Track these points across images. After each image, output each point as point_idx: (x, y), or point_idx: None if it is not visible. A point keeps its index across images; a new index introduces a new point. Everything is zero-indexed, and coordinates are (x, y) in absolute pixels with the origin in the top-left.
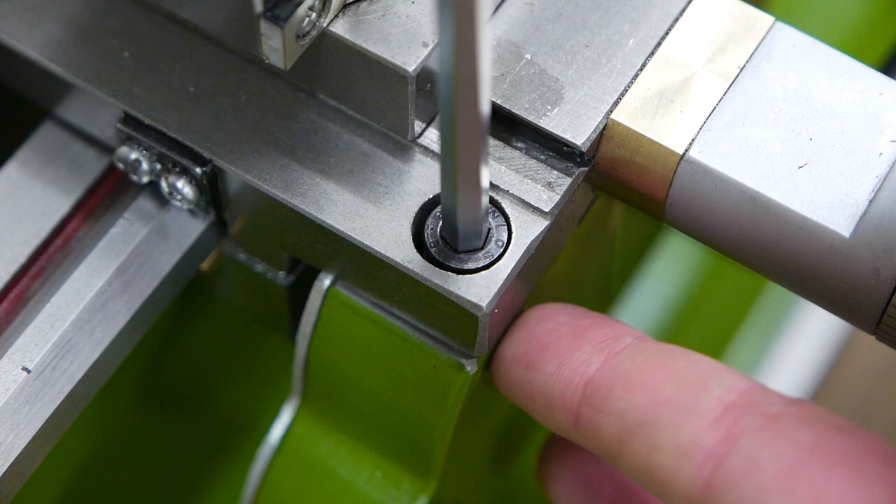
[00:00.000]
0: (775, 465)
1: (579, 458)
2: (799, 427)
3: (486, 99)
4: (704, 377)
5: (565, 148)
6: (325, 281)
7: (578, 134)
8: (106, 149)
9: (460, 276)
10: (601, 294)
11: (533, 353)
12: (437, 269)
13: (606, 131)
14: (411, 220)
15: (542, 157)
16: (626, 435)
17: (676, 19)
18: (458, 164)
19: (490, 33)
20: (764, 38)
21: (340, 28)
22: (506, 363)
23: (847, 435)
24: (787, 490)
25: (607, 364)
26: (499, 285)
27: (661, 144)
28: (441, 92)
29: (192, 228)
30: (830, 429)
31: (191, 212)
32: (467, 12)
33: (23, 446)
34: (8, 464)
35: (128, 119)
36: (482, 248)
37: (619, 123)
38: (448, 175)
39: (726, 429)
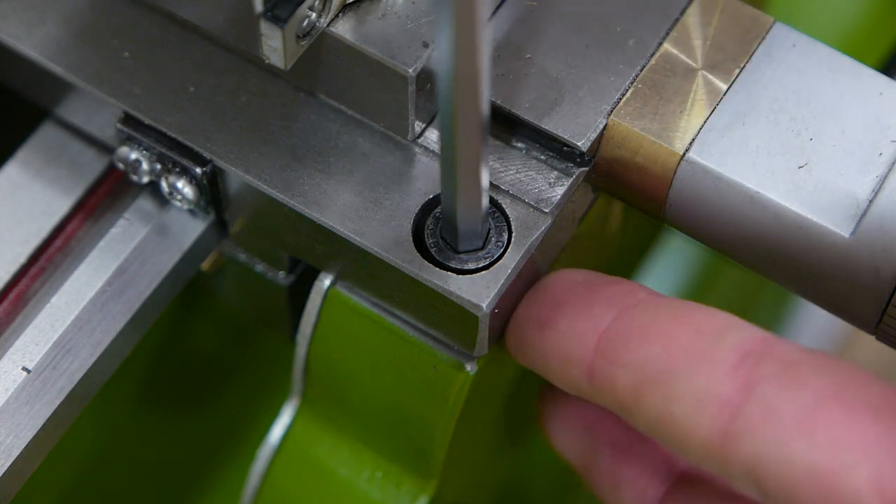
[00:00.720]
0: (794, 410)
1: (581, 400)
2: (818, 373)
3: (486, 99)
4: (720, 327)
5: (565, 148)
6: (326, 281)
7: (578, 134)
8: (106, 149)
9: (460, 276)
10: None
11: (546, 312)
12: (437, 269)
13: (606, 131)
14: (411, 220)
15: (543, 157)
16: (641, 386)
17: (676, 19)
18: (458, 165)
19: (489, 32)
20: (764, 38)
21: (340, 28)
22: (519, 324)
23: (867, 382)
24: (807, 435)
25: (621, 317)
26: (499, 285)
27: (661, 144)
28: (441, 92)
29: (192, 228)
30: (850, 375)
31: (191, 212)
32: (466, 12)
33: (23, 446)
34: (8, 464)
35: (128, 119)
36: (482, 249)
37: (619, 123)
38: (448, 175)
39: (744, 376)
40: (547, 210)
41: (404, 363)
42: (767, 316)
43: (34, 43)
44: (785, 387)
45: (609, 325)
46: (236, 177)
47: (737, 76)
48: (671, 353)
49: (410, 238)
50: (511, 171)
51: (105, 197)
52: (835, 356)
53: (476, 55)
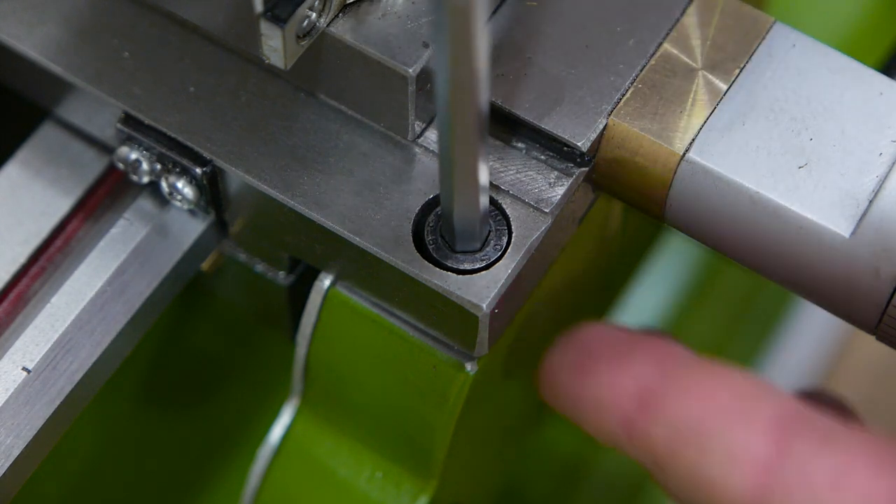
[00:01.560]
0: (827, 472)
1: None
2: (851, 439)
3: (485, 99)
4: (757, 390)
5: (565, 148)
6: (326, 281)
7: (579, 134)
8: (106, 149)
9: (460, 276)
10: (601, 293)
11: (585, 360)
12: (438, 269)
13: (606, 131)
14: (411, 220)
15: (543, 157)
16: (678, 442)
17: (677, 19)
18: (456, 164)
19: (487, 32)
20: (764, 38)
21: (340, 28)
22: (553, 370)
23: None
24: (838, 494)
25: (661, 372)
26: (499, 286)
27: (661, 144)
28: (438, 93)
29: (192, 228)
30: (882, 440)
31: (191, 212)
32: (462, 15)
33: (23, 446)
34: (8, 464)
35: (128, 119)
36: (482, 249)
37: (619, 123)
38: (447, 175)
39: (779, 438)
40: (547, 210)
41: (404, 363)
42: (768, 315)
43: (34, 43)
44: (819, 450)
45: (650, 381)
46: (236, 177)
47: (737, 76)
48: (709, 411)
49: (410, 238)
50: (511, 171)
51: (105, 197)
52: (868, 426)
53: (473, 56)
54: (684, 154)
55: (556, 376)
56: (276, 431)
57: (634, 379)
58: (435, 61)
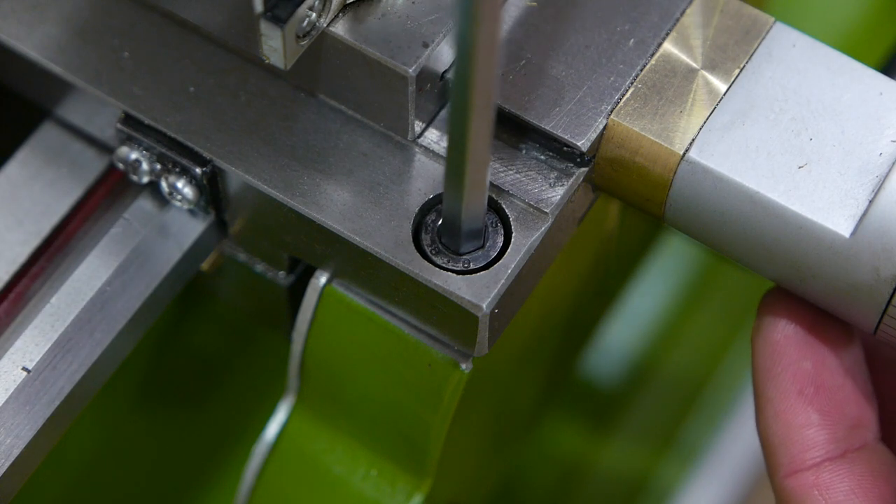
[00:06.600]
0: None
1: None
2: None
3: (496, 99)
4: None
5: (566, 148)
6: (322, 278)
7: (579, 134)
8: (106, 149)
9: (460, 276)
10: (600, 293)
11: (781, 398)
12: (437, 269)
13: (606, 131)
14: (411, 220)
15: (543, 157)
16: None
17: (677, 19)
18: (467, 165)
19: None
20: (764, 38)
21: (340, 28)
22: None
23: None
24: None
25: (845, 461)
26: (499, 285)
27: (661, 144)
28: (455, 91)
29: (192, 228)
30: None
31: (191, 212)
32: (488, 13)
33: (23, 446)
34: (8, 464)
35: (128, 119)
36: (482, 249)
37: (619, 123)
38: (452, 176)
39: None
40: (547, 210)
41: (399, 361)
42: None
43: (34, 43)
44: None
45: (829, 467)
46: (236, 177)
47: (737, 76)
48: None
49: (410, 238)
50: (511, 171)
51: (105, 197)
52: None
53: (494, 54)
54: (684, 154)
55: (761, 392)
56: (272, 429)
57: (815, 451)
58: (456, 48)
